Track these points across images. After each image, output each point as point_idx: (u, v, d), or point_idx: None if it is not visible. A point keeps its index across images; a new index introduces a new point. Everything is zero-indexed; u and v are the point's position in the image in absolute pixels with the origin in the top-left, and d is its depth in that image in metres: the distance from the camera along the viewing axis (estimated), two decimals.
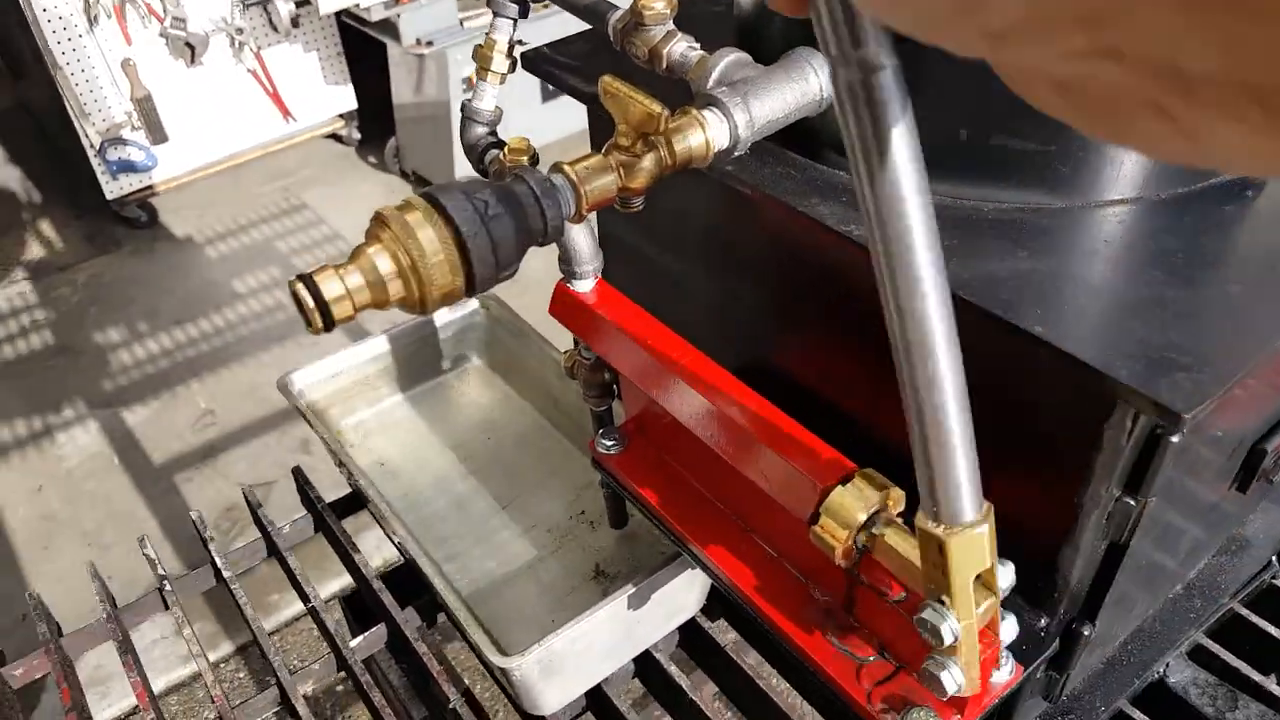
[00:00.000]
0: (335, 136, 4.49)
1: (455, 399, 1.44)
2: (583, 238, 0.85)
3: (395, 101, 4.06)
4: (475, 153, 1.00)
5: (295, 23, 3.83)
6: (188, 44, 3.76)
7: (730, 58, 0.74)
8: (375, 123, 4.36)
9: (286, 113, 4.15)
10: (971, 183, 0.75)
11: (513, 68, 0.99)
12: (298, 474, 1.37)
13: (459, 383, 1.46)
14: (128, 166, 3.93)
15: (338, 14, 3.79)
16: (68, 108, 3.74)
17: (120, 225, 4.12)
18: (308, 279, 0.54)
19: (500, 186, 0.59)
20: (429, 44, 3.62)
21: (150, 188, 4.06)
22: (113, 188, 3.96)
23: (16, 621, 2.68)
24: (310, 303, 0.54)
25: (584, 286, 0.87)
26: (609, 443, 0.94)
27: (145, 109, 3.77)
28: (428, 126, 3.95)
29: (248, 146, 4.20)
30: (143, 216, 4.09)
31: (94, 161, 3.87)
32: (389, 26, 3.66)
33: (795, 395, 0.82)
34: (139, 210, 4.08)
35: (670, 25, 0.79)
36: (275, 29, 3.89)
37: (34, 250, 4.09)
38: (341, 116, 4.36)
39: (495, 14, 0.95)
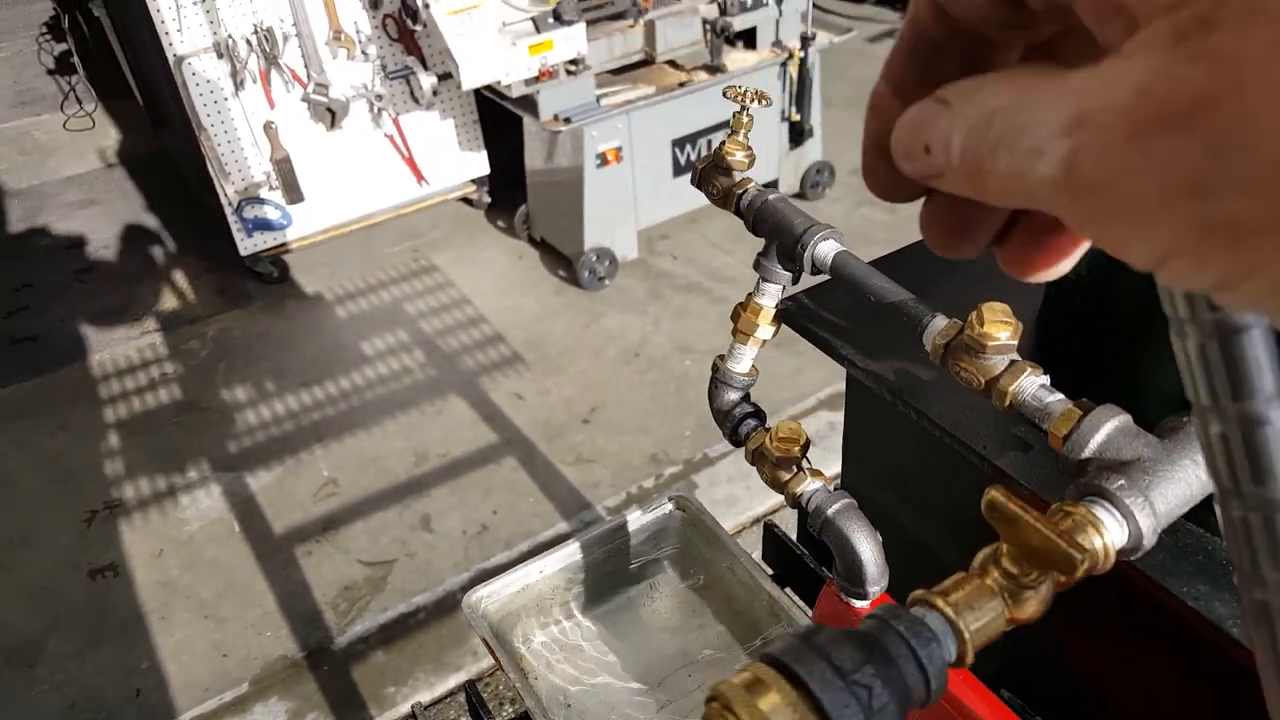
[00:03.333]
0: (466, 200, 4.49)
1: (646, 618, 1.31)
2: (870, 551, 0.73)
3: (528, 168, 4.03)
4: (728, 421, 0.90)
5: (435, 93, 3.83)
6: (329, 109, 3.78)
7: (1112, 424, 0.61)
8: (506, 187, 4.34)
9: (420, 176, 4.15)
10: None
11: (776, 332, 0.89)
12: (470, 690, 1.26)
13: (648, 600, 1.33)
14: (263, 225, 3.97)
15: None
16: (208, 165, 3.80)
17: (252, 279, 4.17)
18: None
19: (867, 644, 0.46)
20: (566, 120, 3.58)
21: (284, 245, 4.10)
22: (247, 244, 4.00)
23: (129, 698, 2.66)
24: None
25: (862, 604, 0.75)
26: None
27: (283, 170, 3.80)
28: (560, 196, 3.90)
29: (380, 208, 4.21)
30: (274, 272, 4.13)
31: (230, 218, 3.92)
32: (528, 102, 3.63)
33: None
34: (271, 266, 4.12)
35: (1015, 355, 0.67)
36: (416, 99, 3.89)
37: (166, 301, 4.15)
38: (473, 181, 4.35)
39: (763, 279, 0.86)
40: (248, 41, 3.65)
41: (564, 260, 4.08)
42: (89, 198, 4.94)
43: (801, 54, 3.99)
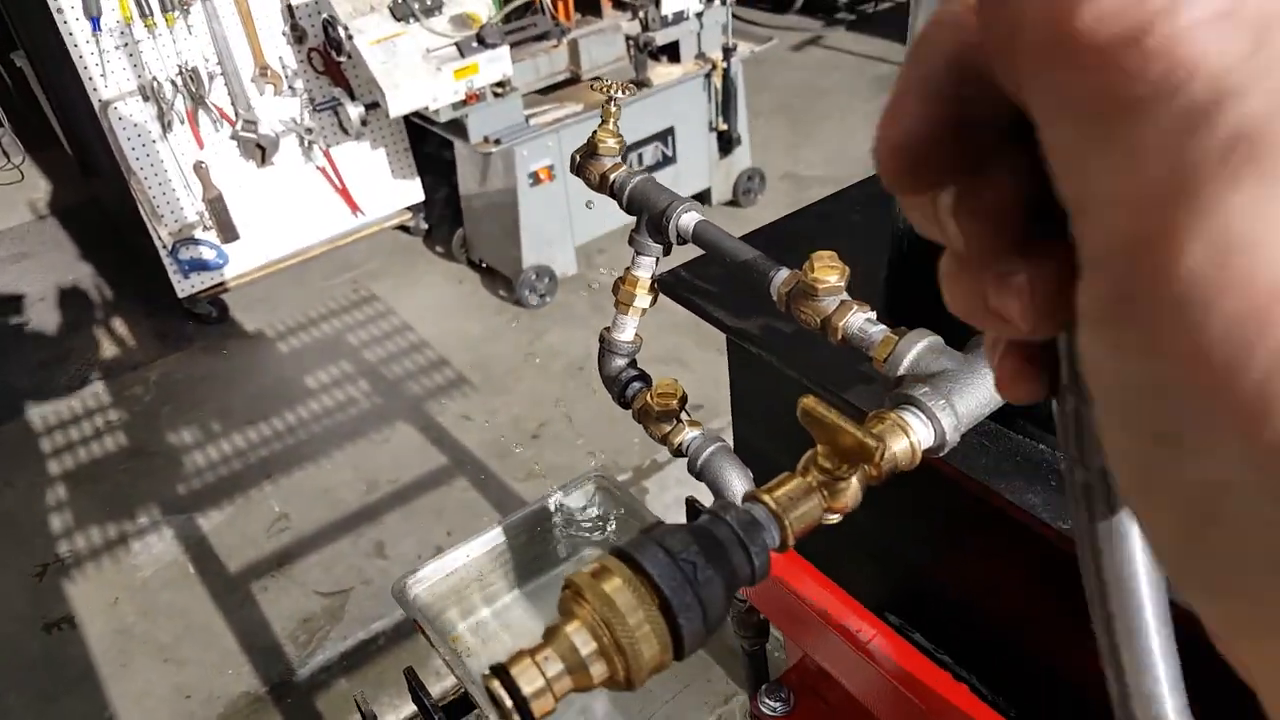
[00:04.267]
0: (403, 228, 4.51)
1: None
2: (740, 485, 0.79)
3: (462, 193, 4.06)
4: (616, 385, 0.96)
5: (364, 122, 3.86)
6: (259, 145, 3.79)
7: (922, 344, 0.68)
8: (442, 212, 4.37)
9: (355, 207, 4.17)
10: None
11: (654, 301, 0.95)
12: (410, 675, 1.30)
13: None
14: (199, 265, 3.97)
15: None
16: (140, 209, 3.79)
17: (191, 321, 4.15)
18: (502, 673, 0.48)
19: (699, 533, 0.52)
20: (496, 141, 3.62)
21: (221, 284, 4.09)
22: (184, 286, 3.99)
23: None
24: (509, 702, 0.47)
25: None
26: (774, 704, 0.86)
27: (216, 209, 3.81)
28: (495, 218, 3.94)
29: (317, 241, 4.22)
30: (213, 312, 4.12)
31: (166, 261, 3.91)
32: (457, 126, 3.67)
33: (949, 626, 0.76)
34: (209, 306, 4.11)
35: (844, 295, 0.74)
36: (345, 130, 3.92)
37: (106, 348, 4.12)
38: (409, 208, 4.38)
39: (637, 253, 0.91)
40: (173, 83, 3.65)
41: (504, 280, 4.11)
42: (21, 251, 4.90)
43: (724, 65, 4.07)
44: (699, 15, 4.00)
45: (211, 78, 3.70)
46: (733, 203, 4.47)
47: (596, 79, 4.03)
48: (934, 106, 0.26)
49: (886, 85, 5.59)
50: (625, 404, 0.95)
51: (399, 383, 3.74)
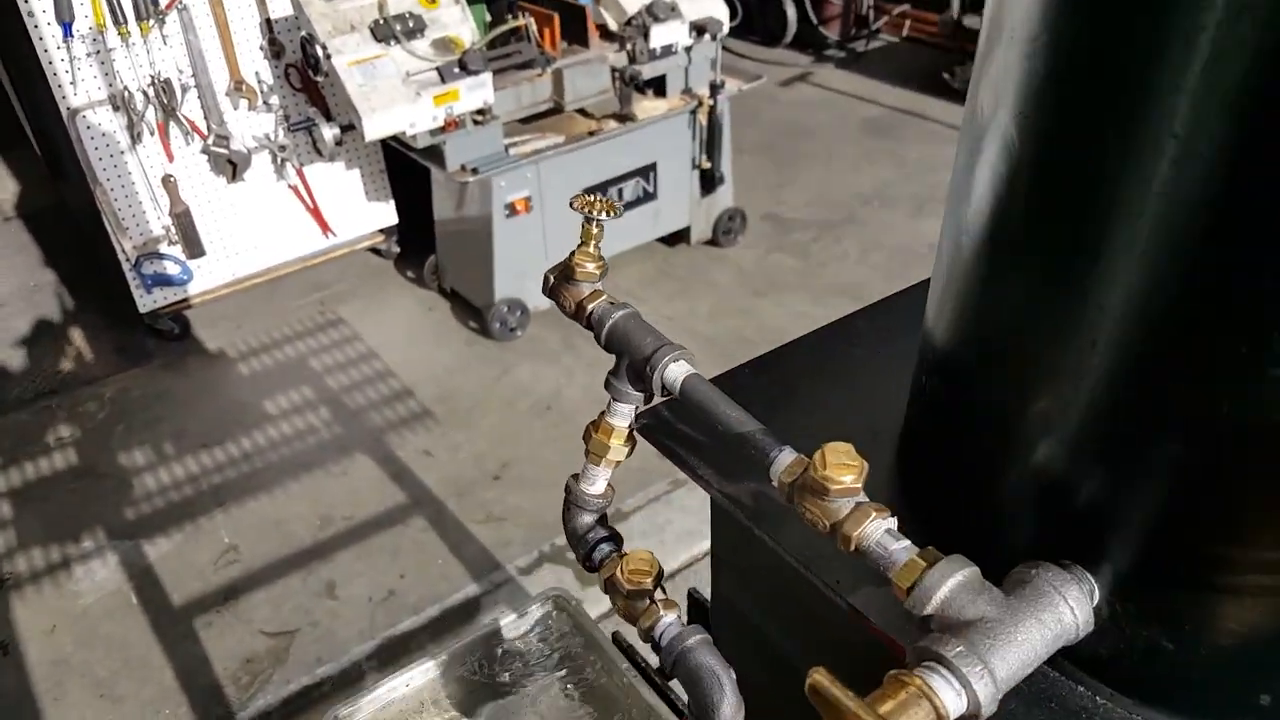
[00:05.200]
0: (375, 250, 4.42)
1: None
2: (722, 694, 0.70)
3: (437, 218, 3.98)
4: (582, 545, 0.86)
5: (339, 143, 3.77)
6: (230, 161, 3.70)
7: (956, 579, 0.58)
8: (415, 237, 4.28)
9: (326, 227, 4.07)
10: None
11: (630, 452, 0.86)
12: None
13: (527, 710, 1.25)
14: (163, 280, 3.86)
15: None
16: (104, 221, 3.68)
17: (152, 337, 4.04)
18: None
19: None
20: (474, 170, 3.54)
21: (185, 300, 3.99)
22: (146, 301, 3.88)
23: None
24: None
25: None
26: None
27: (183, 224, 3.71)
28: (469, 246, 3.86)
29: (285, 260, 4.13)
30: (175, 329, 4.01)
31: (129, 274, 3.80)
32: (435, 153, 3.58)
33: None
34: (172, 323, 4.00)
35: (862, 497, 0.65)
36: (319, 150, 3.83)
37: (62, 361, 4.00)
38: (382, 231, 4.29)
39: (613, 400, 0.82)
40: (144, 93, 3.56)
41: (475, 311, 4.02)
42: None
43: (711, 101, 4.01)
44: (688, 50, 3.94)
45: (184, 90, 3.61)
46: (712, 242, 4.41)
47: (582, 111, 3.98)
48: None
49: (873, 127, 5.56)
50: (591, 568, 0.86)
51: (360, 412, 3.64)
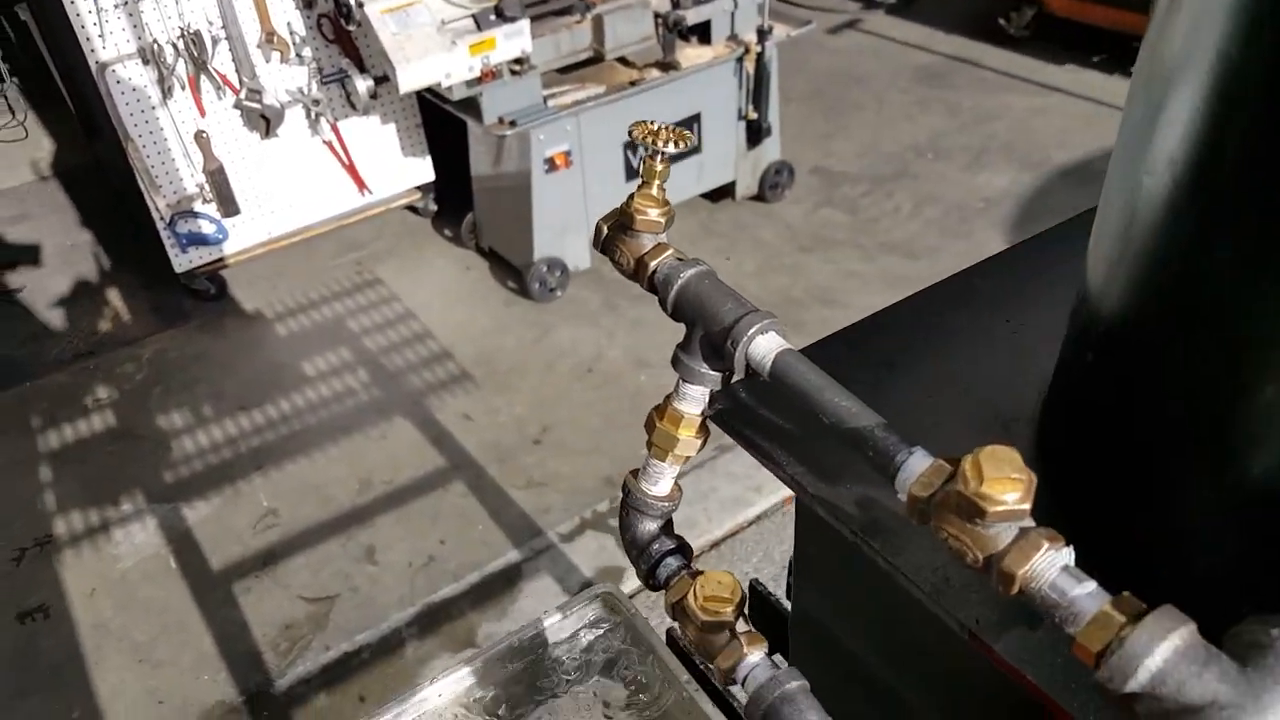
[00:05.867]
0: (411, 208, 4.32)
1: None
2: None
3: (474, 174, 3.86)
4: (645, 559, 0.71)
5: (374, 96, 3.66)
6: (263, 116, 3.60)
7: (1171, 645, 0.43)
8: (453, 193, 4.17)
9: (362, 185, 3.97)
10: None
11: (703, 445, 0.71)
12: None
13: (574, 710, 1.13)
14: (198, 239, 3.79)
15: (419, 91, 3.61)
16: (138, 178, 3.61)
17: (189, 297, 3.98)
18: None
19: None
20: (512, 123, 3.41)
21: (220, 260, 3.92)
22: (181, 261, 3.82)
23: None
24: None
25: None
26: None
27: (217, 181, 3.63)
28: (507, 204, 3.74)
29: (321, 219, 4.04)
30: (211, 289, 3.95)
31: (163, 234, 3.73)
32: (471, 105, 3.46)
33: None
34: (208, 283, 3.94)
35: (1028, 521, 0.49)
36: (353, 104, 3.72)
37: (100, 322, 3.96)
38: (418, 189, 4.18)
39: (683, 380, 0.67)
40: (174, 46, 3.46)
41: (514, 271, 3.91)
42: (20, 212, 4.73)
43: (758, 48, 3.84)
44: None
45: (215, 42, 3.50)
46: (758, 197, 4.25)
47: (623, 60, 3.82)
48: None
49: (926, 75, 5.34)
50: (655, 586, 0.71)
51: (399, 375, 3.56)
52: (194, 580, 2.94)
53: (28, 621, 2.87)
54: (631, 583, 2.58)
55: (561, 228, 3.71)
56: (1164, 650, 0.43)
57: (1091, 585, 0.47)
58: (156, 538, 3.06)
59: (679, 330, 0.71)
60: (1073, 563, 0.49)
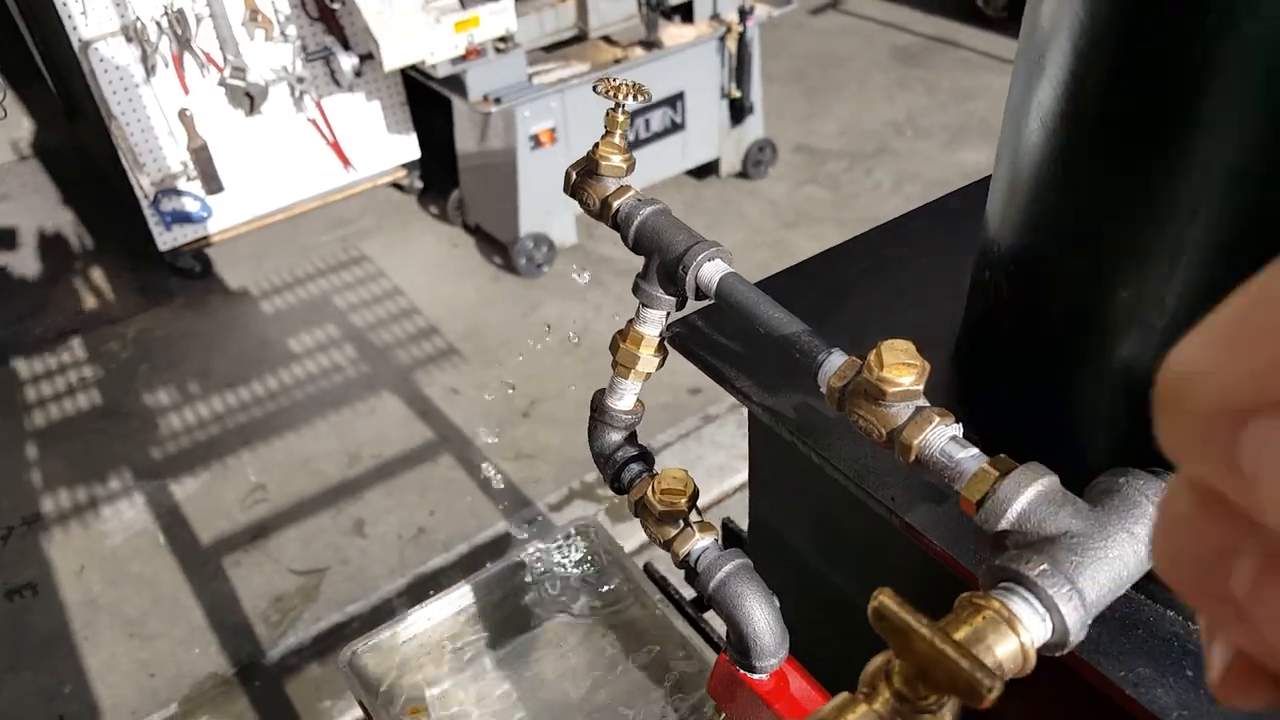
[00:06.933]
0: (397, 185, 4.33)
1: (552, 661, 1.17)
2: (764, 623, 0.63)
3: (460, 151, 3.88)
4: (610, 465, 0.79)
5: (358, 73, 3.67)
6: (247, 93, 3.60)
7: (1034, 489, 0.51)
8: (439, 170, 4.19)
9: (346, 162, 3.98)
10: None
11: (661, 363, 0.78)
12: None
13: (555, 640, 1.20)
14: (182, 217, 3.79)
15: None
16: (121, 157, 3.61)
17: (174, 275, 3.98)
18: None
19: None
20: (497, 101, 3.43)
21: (205, 238, 3.92)
22: (166, 239, 3.82)
23: None
24: None
25: (758, 677, 0.66)
26: None
27: (201, 159, 3.63)
28: (493, 180, 3.76)
29: (306, 196, 4.04)
30: (196, 267, 3.95)
31: (147, 212, 3.73)
32: (456, 82, 3.48)
33: None
34: (193, 261, 3.94)
35: (922, 401, 0.57)
36: (337, 81, 3.73)
37: (85, 301, 3.96)
38: (404, 166, 4.20)
39: (643, 305, 0.74)
40: (158, 24, 3.46)
41: (500, 247, 3.94)
42: (1, 193, 4.71)
43: (741, 28, 3.87)
44: None
45: (199, 20, 3.50)
46: (742, 174, 4.29)
47: (607, 38, 3.84)
48: None
49: (905, 55, 5.38)
50: (620, 489, 0.79)
51: (386, 350, 3.58)
52: (184, 555, 2.96)
53: (15, 599, 2.88)
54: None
55: (547, 204, 3.74)
56: (1028, 495, 0.52)
57: (974, 450, 0.56)
58: (145, 514, 3.08)
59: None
60: (960, 434, 0.57)
